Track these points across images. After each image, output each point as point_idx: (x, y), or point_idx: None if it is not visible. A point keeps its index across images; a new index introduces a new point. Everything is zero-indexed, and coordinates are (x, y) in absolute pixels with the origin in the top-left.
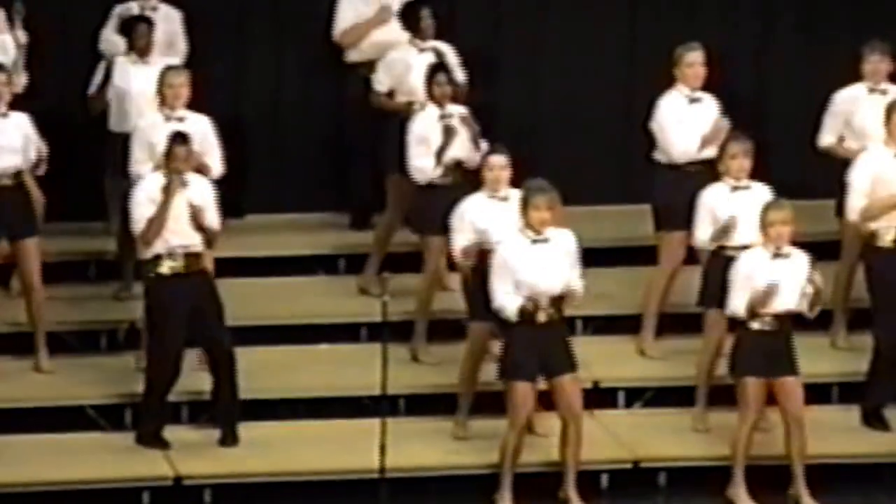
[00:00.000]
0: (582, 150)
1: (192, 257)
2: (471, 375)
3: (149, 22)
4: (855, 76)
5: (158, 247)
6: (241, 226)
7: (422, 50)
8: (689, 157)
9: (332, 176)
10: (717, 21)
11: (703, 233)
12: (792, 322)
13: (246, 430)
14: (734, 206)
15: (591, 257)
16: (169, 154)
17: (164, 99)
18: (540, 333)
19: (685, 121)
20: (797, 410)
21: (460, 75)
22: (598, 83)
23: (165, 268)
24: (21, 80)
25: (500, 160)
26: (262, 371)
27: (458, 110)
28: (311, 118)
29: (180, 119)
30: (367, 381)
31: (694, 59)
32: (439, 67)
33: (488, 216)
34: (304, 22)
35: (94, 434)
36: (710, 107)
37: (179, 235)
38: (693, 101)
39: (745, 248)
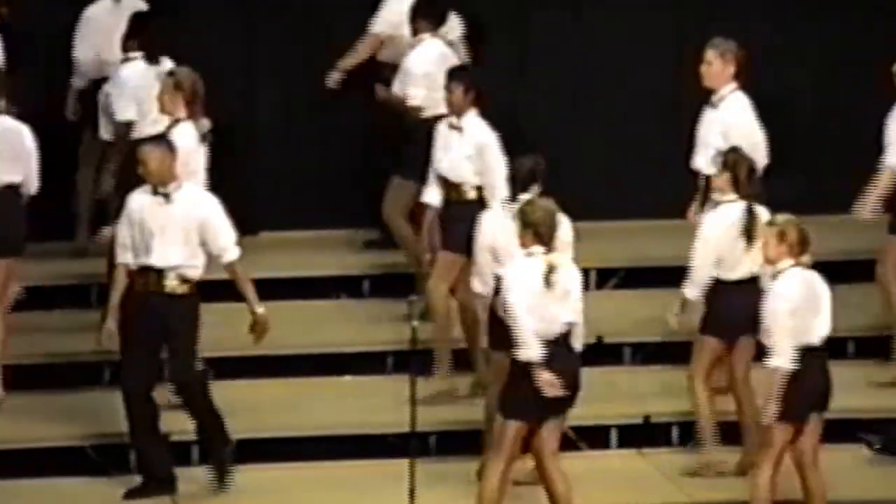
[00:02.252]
0: (626, 161)
1: (159, 274)
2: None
3: (144, 18)
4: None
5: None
6: (255, 244)
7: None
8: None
9: (356, 190)
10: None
11: None
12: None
13: (262, 472)
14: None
15: (640, 277)
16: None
17: None
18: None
19: (699, 128)
20: (811, 450)
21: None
22: (642, 93)
23: (137, 285)
24: None
25: None
26: (278, 406)
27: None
28: (333, 126)
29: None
30: (395, 417)
31: (705, 57)
32: (454, 73)
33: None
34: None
35: (92, 479)
36: (716, 114)
37: (153, 254)
38: (708, 105)
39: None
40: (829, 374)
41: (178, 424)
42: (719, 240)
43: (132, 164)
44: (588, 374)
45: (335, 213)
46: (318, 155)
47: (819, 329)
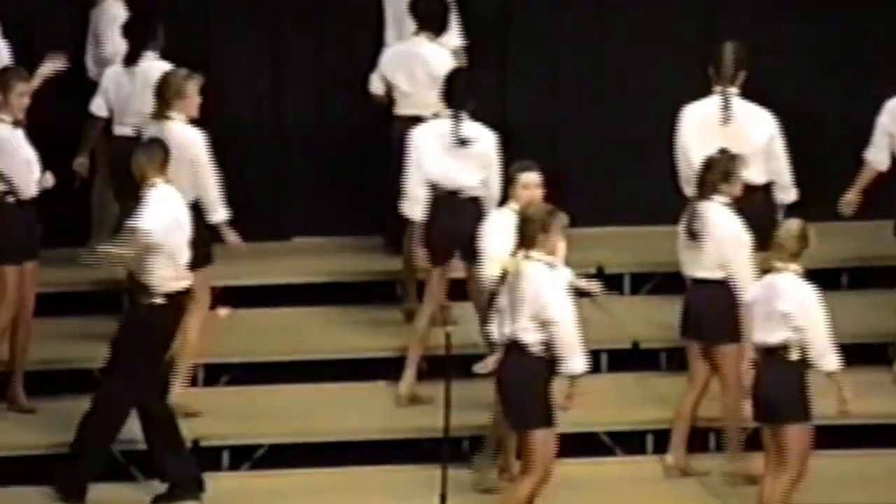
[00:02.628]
0: (636, 166)
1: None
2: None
3: (137, 22)
4: None
5: None
6: (287, 249)
7: None
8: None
9: (388, 195)
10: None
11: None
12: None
13: (294, 477)
14: None
15: (675, 282)
16: None
17: None
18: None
19: None
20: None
21: None
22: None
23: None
24: None
25: (535, 178)
26: (311, 411)
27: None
28: (364, 130)
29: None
30: (428, 422)
31: None
32: (450, 75)
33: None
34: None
35: (121, 484)
36: None
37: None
38: None
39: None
40: (773, 382)
41: (208, 429)
42: (679, 234)
43: (117, 165)
44: (624, 380)
45: (367, 219)
46: (350, 160)
47: (756, 334)
